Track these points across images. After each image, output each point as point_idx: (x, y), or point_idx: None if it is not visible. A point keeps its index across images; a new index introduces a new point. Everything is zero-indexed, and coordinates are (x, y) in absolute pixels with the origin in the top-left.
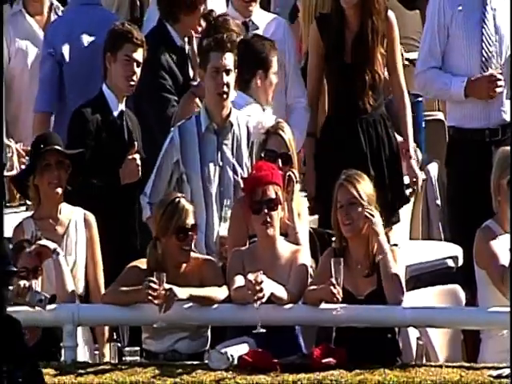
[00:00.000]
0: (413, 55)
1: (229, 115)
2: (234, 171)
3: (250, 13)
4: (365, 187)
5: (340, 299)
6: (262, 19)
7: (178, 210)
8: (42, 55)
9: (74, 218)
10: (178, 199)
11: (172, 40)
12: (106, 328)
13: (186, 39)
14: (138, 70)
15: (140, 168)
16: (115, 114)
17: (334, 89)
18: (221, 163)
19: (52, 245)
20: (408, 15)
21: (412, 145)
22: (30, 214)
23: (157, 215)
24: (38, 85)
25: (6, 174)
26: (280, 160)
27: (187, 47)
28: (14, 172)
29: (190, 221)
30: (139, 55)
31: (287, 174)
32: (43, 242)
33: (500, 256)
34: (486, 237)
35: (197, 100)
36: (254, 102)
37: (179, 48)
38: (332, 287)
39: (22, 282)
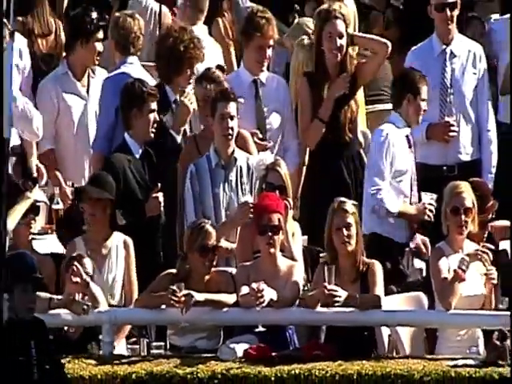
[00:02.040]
0: (386, 106)
1: (233, 152)
2: (238, 198)
3: (259, 72)
4: (355, 213)
5: (336, 296)
6: (266, 78)
7: (202, 232)
8: (103, 109)
9: (115, 241)
10: (203, 224)
11: (167, 97)
12: (127, 327)
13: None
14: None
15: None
16: (137, 156)
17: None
18: (228, 192)
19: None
20: (380, 73)
21: None
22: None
23: (186, 235)
24: (99, 130)
25: (53, 206)
26: (278, 191)
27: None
28: (61, 206)
29: (212, 242)
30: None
31: (283, 202)
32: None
33: (443, 271)
34: (437, 255)
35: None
36: (404, 125)
37: (175, 102)
38: (326, 290)
39: (67, 294)
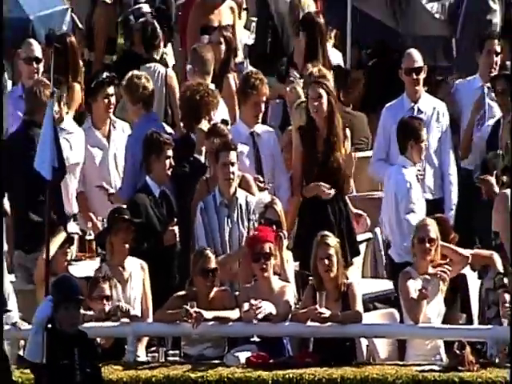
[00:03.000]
0: (363, 154)
1: (235, 193)
2: (239, 230)
3: (255, 125)
4: (336, 244)
5: (327, 316)
6: (261, 130)
7: (202, 257)
8: (127, 165)
9: (133, 265)
10: (203, 250)
11: (193, 142)
12: (145, 339)
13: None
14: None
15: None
16: (157, 195)
17: (309, 174)
18: (230, 225)
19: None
20: (358, 126)
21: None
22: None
23: (191, 260)
24: (125, 181)
25: (86, 237)
26: (274, 225)
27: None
28: (93, 237)
29: (211, 265)
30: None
31: (279, 234)
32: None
33: (411, 292)
34: (405, 278)
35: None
36: (411, 165)
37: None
38: (317, 311)
39: (99, 307)
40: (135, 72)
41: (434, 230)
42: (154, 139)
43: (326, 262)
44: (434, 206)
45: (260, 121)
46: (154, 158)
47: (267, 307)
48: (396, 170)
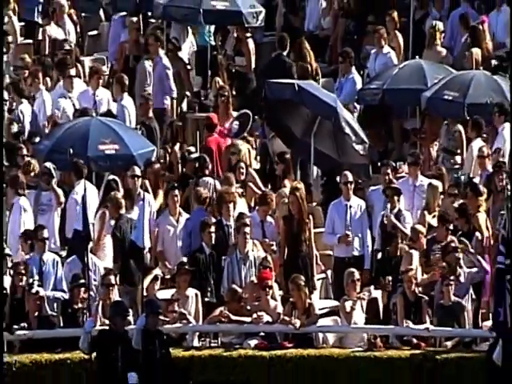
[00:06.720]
0: (317, 230)
1: (248, 251)
2: (249, 273)
3: (264, 217)
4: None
5: (298, 325)
6: (267, 219)
7: (232, 291)
8: (183, 235)
9: (192, 293)
10: (233, 287)
11: (223, 223)
12: (197, 333)
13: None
14: None
15: None
16: (207, 254)
17: (289, 242)
18: (244, 271)
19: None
20: (316, 214)
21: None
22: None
23: (225, 294)
24: (182, 244)
25: (166, 277)
26: (268, 269)
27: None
28: (169, 277)
29: (238, 295)
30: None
31: (271, 273)
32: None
33: (346, 308)
34: (343, 301)
35: None
36: None
37: (226, 226)
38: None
39: (171, 316)
40: (201, 189)
41: (357, 274)
42: (204, 222)
43: (296, 291)
44: (358, 259)
45: (267, 214)
46: (203, 232)
47: (266, 317)
48: None
